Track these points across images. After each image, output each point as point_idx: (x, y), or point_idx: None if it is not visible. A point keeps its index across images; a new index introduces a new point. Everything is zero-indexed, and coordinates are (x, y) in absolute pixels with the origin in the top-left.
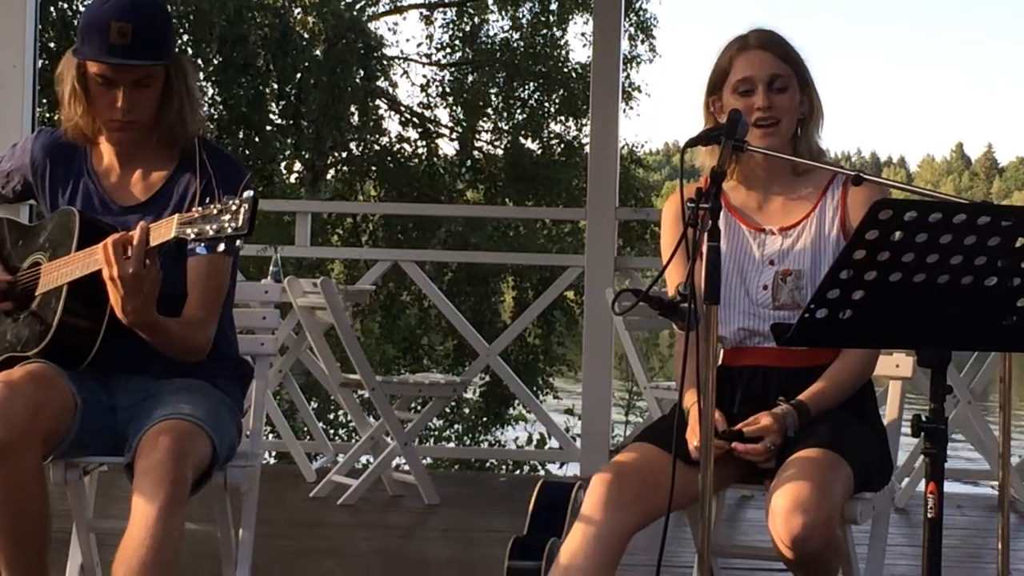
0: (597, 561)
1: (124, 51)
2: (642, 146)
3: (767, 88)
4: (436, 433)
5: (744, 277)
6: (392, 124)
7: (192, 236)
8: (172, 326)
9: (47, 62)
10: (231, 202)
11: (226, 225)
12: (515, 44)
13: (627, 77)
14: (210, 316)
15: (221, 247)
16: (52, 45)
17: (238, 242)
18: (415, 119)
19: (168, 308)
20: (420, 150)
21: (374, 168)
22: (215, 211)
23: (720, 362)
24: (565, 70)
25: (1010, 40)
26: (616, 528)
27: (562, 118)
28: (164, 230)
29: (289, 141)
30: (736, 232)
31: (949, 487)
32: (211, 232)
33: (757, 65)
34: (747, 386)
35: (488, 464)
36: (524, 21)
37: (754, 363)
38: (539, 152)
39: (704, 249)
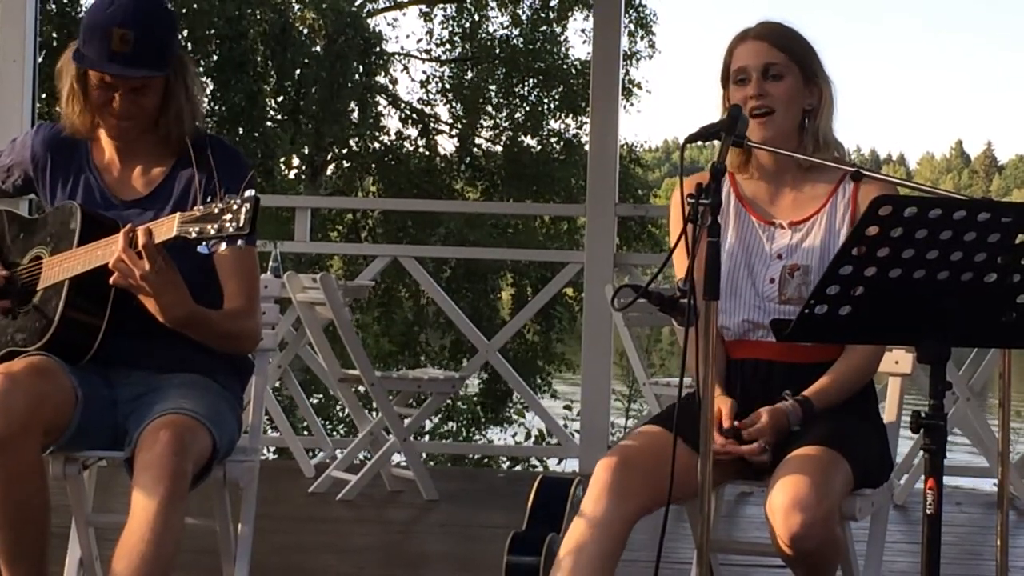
0: (602, 547)
1: (124, 59)
2: (641, 145)
3: (761, 77)
4: (438, 426)
5: (751, 269)
6: (392, 121)
7: (193, 235)
8: (215, 316)
9: (47, 57)
10: (232, 201)
11: (227, 224)
12: (515, 40)
13: (627, 73)
14: (251, 304)
15: (223, 246)
16: (52, 40)
17: (239, 242)
18: (415, 115)
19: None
20: (420, 147)
21: (374, 164)
22: (216, 210)
23: None
24: (565, 66)
25: (1010, 40)
26: (620, 515)
27: (561, 115)
28: (166, 228)
29: (288, 137)
30: (746, 223)
31: (948, 483)
32: (212, 231)
33: (752, 54)
34: (749, 380)
35: (487, 460)
36: (524, 17)
37: (756, 357)
38: (538, 149)
39: (703, 245)
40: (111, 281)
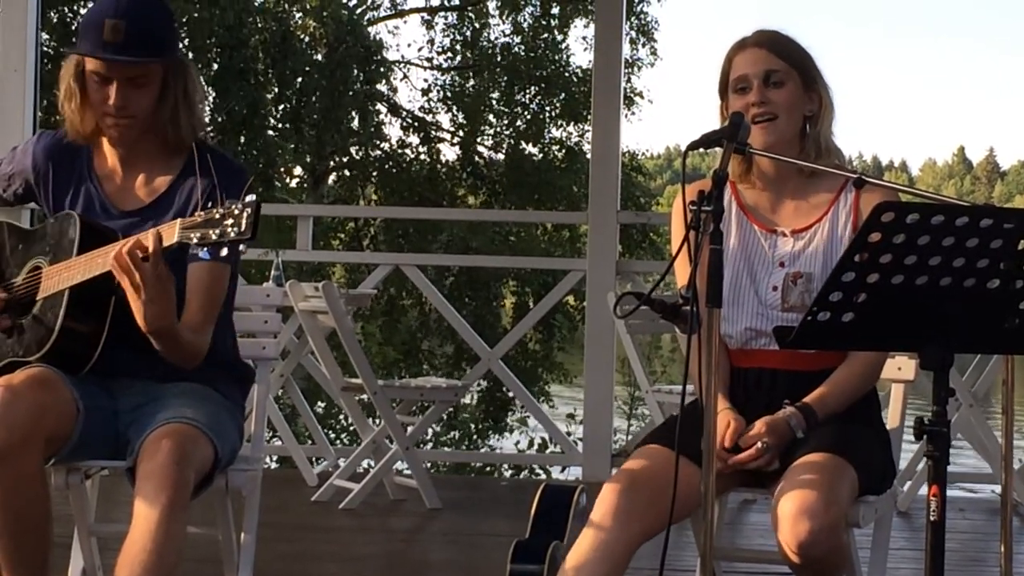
0: (603, 569)
1: (116, 48)
2: (643, 153)
3: (762, 84)
4: (440, 436)
5: (754, 277)
6: (393, 129)
7: (195, 240)
8: (184, 332)
9: (48, 66)
10: (234, 206)
11: (229, 230)
12: (516, 48)
13: (628, 82)
14: (208, 323)
15: (224, 252)
16: (50, 50)
17: (241, 246)
18: (416, 123)
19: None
20: (421, 155)
21: (375, 172)
22: (218, 216)
23: None
24: (566, 74)
25: (1011, 44)
26: (625, 539)
27: (563, 123)
28: (167, 234)
29: (290, 145)
30: (748, 231)
31: (951, 491)
32: (214, 237)
33: (752, 62)
34: (752, 389)
35: (489, 468)
36: (525, 25)
37: (760, 365)
38: (540, 157)
39: (705, 252)
40: (112, 260)
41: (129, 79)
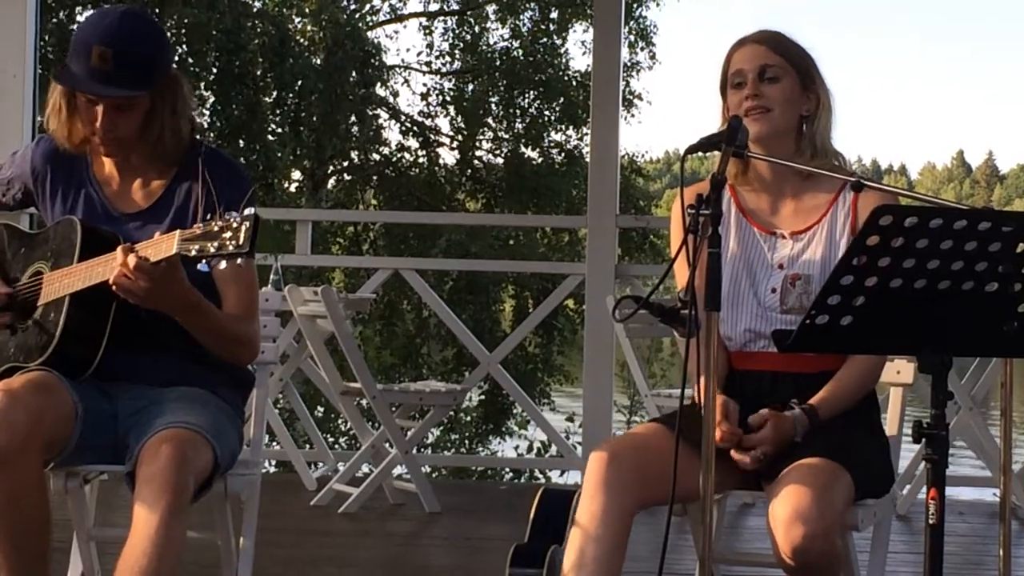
0: (604, 546)
1: (103, 76)
2: (643, 156)
3: (757, 79)
4: (440, 439)
5: (753, 279)
6: (392, 133)
7: (193, 253)
8: (219, 313)
9: (46, 72)
10: (232, 219)
11: (228, 243)
12: (515, 52)
13: (627, 85)
14: (251, 311)
15: (223, 264)
16: (51, 55)
17: (238, 260)
18: (415, 128)
19: None
20: (420, 159)
21: (375, 177)
22: (216, 228)
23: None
24: (565, 78)
25: (1010, 48)
26: (618, 508)
27: (562, 127)
28: (166, 245)
29: (289, 150)
30: (747, 233)
31: (950, 494)
32: (212, 249)
33: (749, 58)
34: (754, 391)
35: (489, 472)
36: (524, 29)
37: (760, 368)
38: (539, 161)
39: (704, 256)
40: (114, 289)
41: (115, 106)
